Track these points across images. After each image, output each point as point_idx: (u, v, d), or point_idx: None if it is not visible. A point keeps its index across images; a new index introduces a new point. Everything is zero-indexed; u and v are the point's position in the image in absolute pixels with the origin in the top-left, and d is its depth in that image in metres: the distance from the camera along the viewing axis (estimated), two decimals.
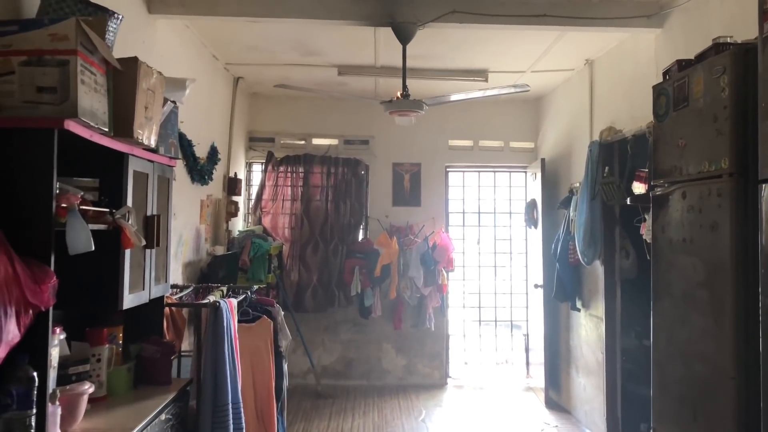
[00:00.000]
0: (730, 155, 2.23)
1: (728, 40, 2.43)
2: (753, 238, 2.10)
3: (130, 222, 2.37)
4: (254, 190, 6.55)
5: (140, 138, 2.37)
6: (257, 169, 6.71)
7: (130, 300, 2.47)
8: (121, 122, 2.26)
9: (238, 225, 6.21)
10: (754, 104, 2.10)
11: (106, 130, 2.16)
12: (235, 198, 5.80)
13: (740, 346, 2.19)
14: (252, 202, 6.51)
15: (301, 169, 6.44)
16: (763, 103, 2.02)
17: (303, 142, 6.68)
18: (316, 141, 6.69)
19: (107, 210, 2.28)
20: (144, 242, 2.50)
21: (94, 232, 2.08)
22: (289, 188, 6.41)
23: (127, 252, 2.42)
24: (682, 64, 2.65)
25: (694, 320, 2.46)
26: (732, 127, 2.23)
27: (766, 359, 1.99)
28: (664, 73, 2.80)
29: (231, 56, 5.24)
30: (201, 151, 4.71)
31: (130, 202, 2.46)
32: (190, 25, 4.39)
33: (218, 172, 5.26)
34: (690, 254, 2.50)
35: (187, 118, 4.16)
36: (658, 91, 2.79)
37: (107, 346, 2.50)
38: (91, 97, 2.04)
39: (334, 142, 6.68)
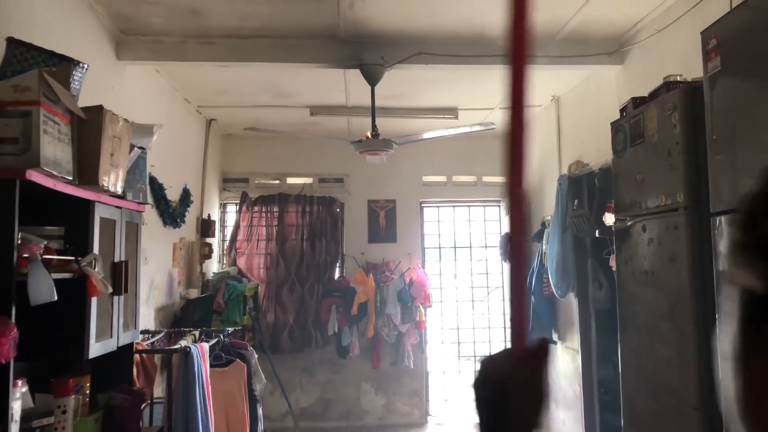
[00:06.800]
0: (684, 189, 2.30)
1: (678, 78, 2.53)
2: (709, 269, 2.15)
3: (96, 269, 2.36)
4: (228, 231, 6.52)
5: (106, 185, 2.38)
6: (231, 209, 6.70)
7: (96, 349, 2.44)
8: (87, 170, 2.27)
9: (213, 267, 6.17)
10: (704, 140, 2.18)
11: (71, 178, 2.17)
12: (208, 240, 5.77)
13: (703, 376, 2.22)
14: (226, 244, 6.48)
15: (275, 209, 6.44)
16: (711, 138, 2.09)
17: (277, 181, 6.70)
18: (290, 180, 6.72)
19: (72, 258, 2.27)
20: (111, 289, 2.48)
21: (59, 281, 2.07)
22: (264, 228, 6.40)
23: (94, 300, 2.40)
24: (636, 102, 2.74)
25: (659, 352, 2.49)
26: (684, 163, 2.31)
27: (727, 388, 2.02)
28: (621, 110, 2.90)
29: (203, 99, 5.28)
30: (173, 194, 4.71)
31: (96, 249, 2.45)
32: (161, 70, 4.43)
33: (191, 215, 5.25)
34: (653, 286, 2.54)
35: (158, 161, 4.17)
36: (615, 127, 2.87)
37: (73, 396, 2.45)
38: (55, 147, 2.05)
39: (308, 180, 6.71)
